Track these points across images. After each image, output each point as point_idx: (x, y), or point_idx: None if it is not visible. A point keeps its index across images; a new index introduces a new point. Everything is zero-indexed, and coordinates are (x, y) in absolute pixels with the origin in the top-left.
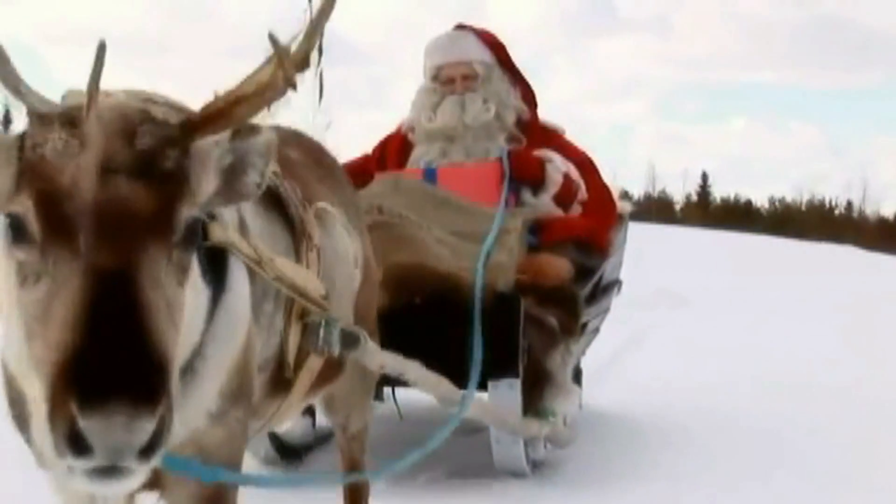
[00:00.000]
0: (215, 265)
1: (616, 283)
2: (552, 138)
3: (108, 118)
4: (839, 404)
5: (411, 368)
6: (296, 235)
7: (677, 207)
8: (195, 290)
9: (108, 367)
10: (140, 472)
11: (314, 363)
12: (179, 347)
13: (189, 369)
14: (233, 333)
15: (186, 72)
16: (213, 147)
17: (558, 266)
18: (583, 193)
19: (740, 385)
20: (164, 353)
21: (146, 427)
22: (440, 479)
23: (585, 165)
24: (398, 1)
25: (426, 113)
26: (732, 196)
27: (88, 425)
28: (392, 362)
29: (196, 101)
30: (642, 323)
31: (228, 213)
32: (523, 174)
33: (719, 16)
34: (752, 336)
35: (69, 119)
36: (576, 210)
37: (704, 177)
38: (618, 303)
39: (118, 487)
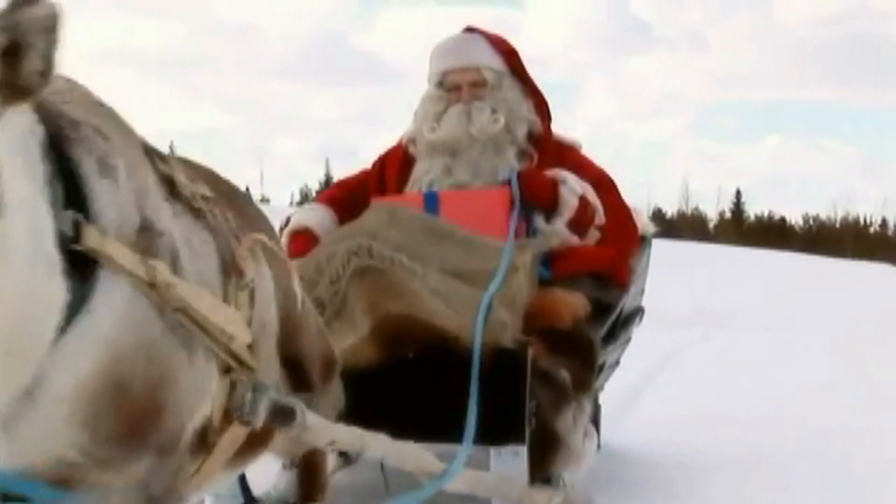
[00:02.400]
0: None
1: (638, 312)
2: (567, 154)
3: None
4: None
5: (375, 443)
6: (224, 270)
7: (711, 225)
8: (45, 291)
9: None
10: None
11: (238, 432)
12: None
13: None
14: (78, 364)
15: (228, 89)
16: None
17: (573, 304)
18: (600, 217)
19: (775, 415)
20: None
21: None
22: None
23: (603, 184)
24: (432, 20)
25: (429, 123)
26: (766, 214)
27: None
28: (347, 438)
29: (237, 119)
30: (676, 342)
31: (123, 214)
32: (535, 197)
33: (754, 34)
34: (787, 356)
35: None
36: (593, 235)
37: (738, 194)
38: (651, 321)
39: None
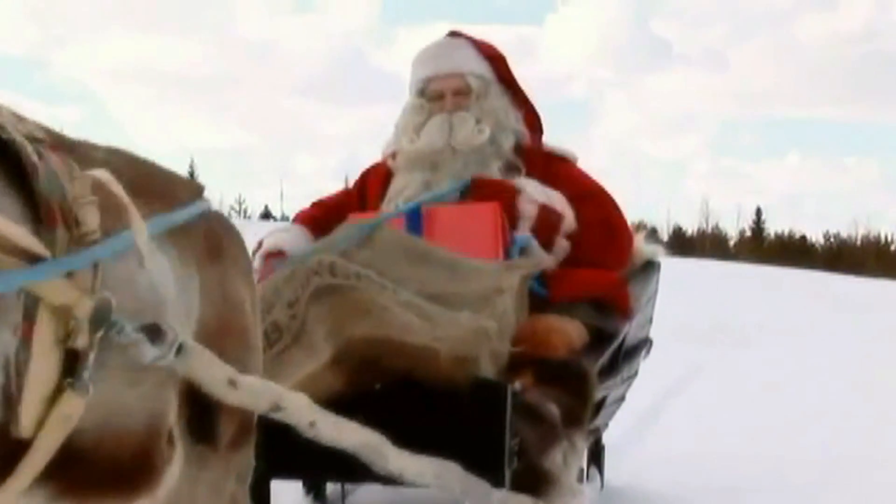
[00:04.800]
0: None
1: (645, 344)
2: (557, 167)
3: None
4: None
5: (294, 400)
6: (41, 217)
7: (731, 243)
8: None
9: None
10: None
11: (71, 407)
12: None
13: None
14: None
15: (249, 107)
16: None
17: (568, 332)
18: (570, 224)
19: (792, 445)
20: None
21: None
22: None
23: (593, 197)
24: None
25: (409, 134)
26: (787, 232)
27: None
28: (257, 384)
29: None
30: (696, 361)
31: None
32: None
33: (774, 51)
34: (807, 376)
35: None
36: (561, 245)
37: (758, 212)
38: (670, 340)
39: None
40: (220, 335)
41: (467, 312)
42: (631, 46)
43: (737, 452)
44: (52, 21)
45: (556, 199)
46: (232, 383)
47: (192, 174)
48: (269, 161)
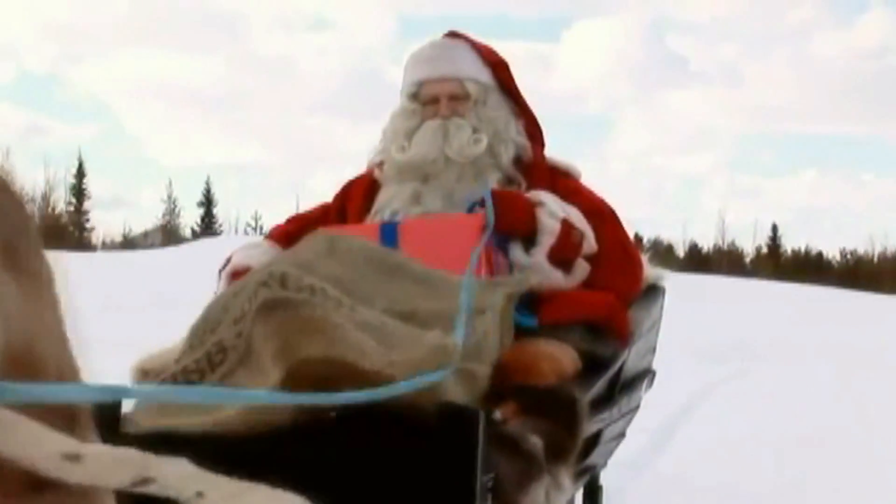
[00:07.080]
0: None
1: (646, 375)
2: (560, 181)
3: None
4: None
5: (169, 468)
6: None
7: (748, 260)
8: None
9: None
10: None
11: None
12: None
13: None
14: None
15: (266, 124)
16: None
17: (558, 358)
18: (590, 245)
19: (816, 460)
20: None
21: None
22: None
23: (601, 214)
24: None
25: (398, 141)
26: (803, 248)
27: None
28: (110, 454)
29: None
30: (712, 378)
31: None
32: (509, 222)
33: (791, 68)
34: (823, 392)
35: None
36: (581, 268)
37: (775, 229)
38: (687, 356)
39: None
40: (32, 370)
41: (436, 331)
42: (647, 63)
43: (751, 470)
44: (71, 39)
45: (575, 216)
46: (72, 458)
47: (208, 191)
48: (286, 177)
